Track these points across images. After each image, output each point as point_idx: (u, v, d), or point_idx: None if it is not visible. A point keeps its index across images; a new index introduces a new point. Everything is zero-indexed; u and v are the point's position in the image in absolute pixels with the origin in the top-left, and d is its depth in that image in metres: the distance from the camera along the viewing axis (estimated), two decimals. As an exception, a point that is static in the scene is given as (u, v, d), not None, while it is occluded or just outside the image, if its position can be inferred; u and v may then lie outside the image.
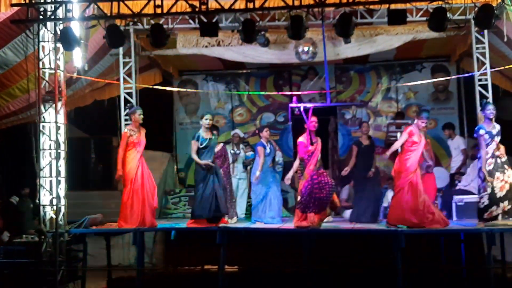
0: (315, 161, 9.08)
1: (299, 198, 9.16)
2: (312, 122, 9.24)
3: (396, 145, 9.08)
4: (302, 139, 9.23)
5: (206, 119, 9.44)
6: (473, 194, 10.26)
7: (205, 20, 9.14)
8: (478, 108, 10.24)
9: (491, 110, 8.82)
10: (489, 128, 8.77)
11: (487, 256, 8.70)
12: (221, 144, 10.96)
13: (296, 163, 9.39)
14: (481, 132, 8.77)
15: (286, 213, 12.16)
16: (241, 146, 11.54)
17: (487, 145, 8.74)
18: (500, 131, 8.80)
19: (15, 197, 10.86)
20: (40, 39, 9.09)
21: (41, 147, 9.09)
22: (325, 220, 9.27)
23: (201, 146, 9.34)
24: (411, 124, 9.22)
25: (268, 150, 10.45)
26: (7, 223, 10.48)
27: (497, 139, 8.79)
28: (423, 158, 9.48)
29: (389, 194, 11.46)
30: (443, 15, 8.50)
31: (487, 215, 8.69)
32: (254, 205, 10.50)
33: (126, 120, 11.00)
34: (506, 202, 8.65)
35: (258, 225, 10.15)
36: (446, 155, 12.49)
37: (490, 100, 10.13)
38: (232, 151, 11.13)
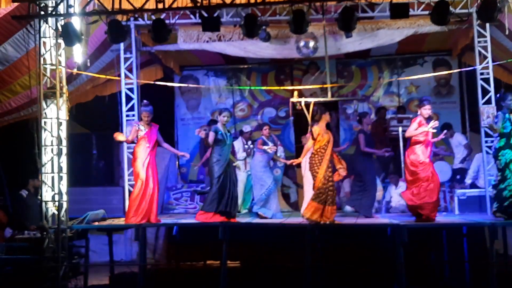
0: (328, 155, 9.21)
1: (315, 190, 9.19)
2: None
3: (412, 132, 8.91)
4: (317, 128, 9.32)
5: (224, 117, 9.64)
6: (480, 188, 10.27)
7: (206, 15, 9.13)
8: (480, 101, 10.23)
9: None
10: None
11: (490, 250, 8.68)
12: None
13: (308, 146, 9.45)
14: (506, 115, 8.77)
15: (288, 208, 12.16)
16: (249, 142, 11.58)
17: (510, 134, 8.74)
18: None
19: (24, 191, 10.81)
20: (41, 35, 9.04)
21: (43, 143, 9.07)
22: None
23: (219, 139, 9.49)
24: (417, 116, 9.11)
25: (269, 144, 10.51)
26: (15, 217, 10.44)
27: None
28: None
29: (391, 188, 11.47)
30: (445, 9, 8.48)
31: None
32: (255, 200, 10.53)
33: (127, 116, 11.01)
34: None
35: (260, 220, 10.18)
36: (448, 149, 12.46)
37: (492, 94, 10.13)
38: (246, 146, 11.15)
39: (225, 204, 9.44)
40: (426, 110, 9.02)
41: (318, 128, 9.27)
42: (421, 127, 8.91)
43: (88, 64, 10.23)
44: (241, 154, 11.53)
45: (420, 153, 8.93)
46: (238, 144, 11.57)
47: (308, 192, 9.78)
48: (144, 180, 9.34)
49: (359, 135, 10.39)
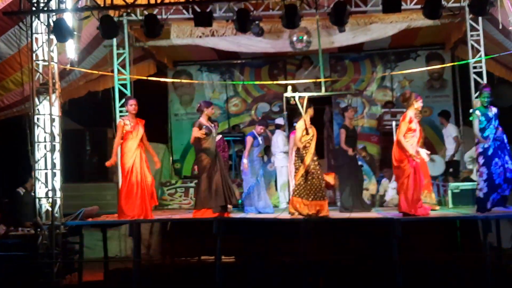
0: (313, 149, 9.22)
1: (295, 186, 9.25)
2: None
3: (401, 138, 8.71)
4: (300, 125, 9.28)
5: (213, 109, 9.66)
6: (474, 181, 10.29)
7: (198, 10, 9.12)
8: (474, 95, 10.25)
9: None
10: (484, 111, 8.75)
11: (483, 243, 8.70)
12: (220, 136, 10.94)
13: (293, 155, 9.49)
14: (477, 113, 8.74)
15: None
16: None
17: (485, 128, 8.70)
18: (497, 114, 8.79)
19: (21, 189, 10.78)
20: (33, 31, 9.00)
21: (36, 140, 9.05)
22: None
23: (205, 133, 9.38)
24: (407, 111, 8.95)
25: (260, 141, 10.51)
26: (10, 214, 10.40)
27: (495, 122, 8.74)
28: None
29: (385, 182, 11.49)
30: (437, 2, 8.49)
31: (490, 204, 8.66)
32: (245, 194, 10.53)
33: (121, 111, 10.99)
34: None
35: (253, 215, 10.19)
36: (441, 143, 12.51)
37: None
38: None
39: (217, 198, 9.36)
40: (420, 103, 8.97)
41: (303, 123, 9.29)
42: (411, 124, 8.83)
43: (76, 59, 10.17)
44: (283, 147, 11.20)
45: (408, 147, 8.83)
46: (278, 137, 11.38)
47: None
48: (131, 175, 9.24)
49: (340, 130, 10.39)
